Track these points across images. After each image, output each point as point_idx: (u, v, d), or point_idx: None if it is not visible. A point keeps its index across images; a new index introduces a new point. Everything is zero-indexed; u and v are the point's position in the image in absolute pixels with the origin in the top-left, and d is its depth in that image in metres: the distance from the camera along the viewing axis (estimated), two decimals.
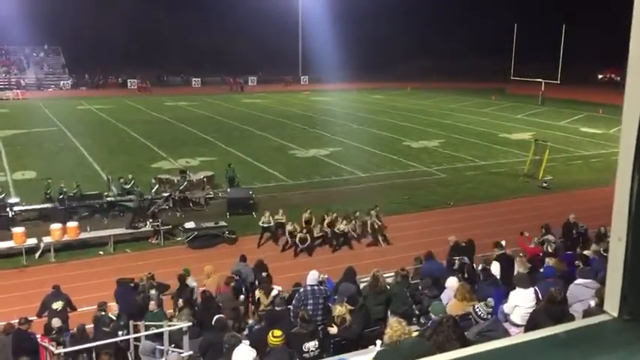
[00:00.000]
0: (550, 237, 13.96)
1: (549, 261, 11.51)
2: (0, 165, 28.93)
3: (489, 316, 7.62)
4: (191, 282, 13.32)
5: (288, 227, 18.21)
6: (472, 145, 36.40)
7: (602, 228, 15.51)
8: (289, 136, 38.75)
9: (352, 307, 9.13)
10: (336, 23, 72.79)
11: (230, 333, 8.83)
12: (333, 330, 8.91)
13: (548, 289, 8.20)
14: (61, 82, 70.90)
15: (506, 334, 7.19)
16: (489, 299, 8.18)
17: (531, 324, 7.74)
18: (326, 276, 12.36)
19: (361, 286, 11.56)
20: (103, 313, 11.20)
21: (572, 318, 7.68)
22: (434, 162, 31.18)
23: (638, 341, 1.22)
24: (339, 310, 9.08)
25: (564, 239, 16.75)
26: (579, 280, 9.16)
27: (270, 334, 7.52)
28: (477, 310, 7.66)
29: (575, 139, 39.00)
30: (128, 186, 22.51)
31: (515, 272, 11.11)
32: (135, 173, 24.23)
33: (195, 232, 18.90)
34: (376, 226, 18.84)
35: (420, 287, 11.31)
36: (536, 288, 8.99)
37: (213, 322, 9.62)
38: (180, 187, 21.94)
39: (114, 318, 10.93)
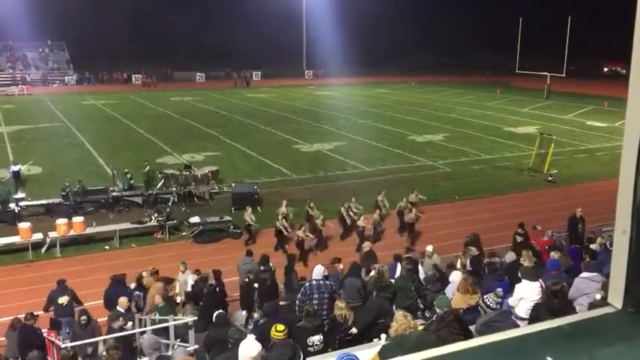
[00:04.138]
0: (471, 248, 13.71)
1: (554, 254, 11.49)
2: (6, 160, 28.99)
3: (499, 306, 7.61)
4: (187, 276, 13.35)
5: (299, 233, 17.43)
6: (477, 138, 36.31)
7: None
8: (293, 130, 38.75)
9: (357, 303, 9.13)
10: (340, 18, 72.65)
11: (234, 327, 8.86)
12: (355, 330, 8.93)
13: (549, 282, 8.21)
14: (66, 78, 70.99)
15: (513, 326, 7.19)
16: (499, 289, 8.15)
17: (532, 317, 7.75)
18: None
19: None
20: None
21: (573, 311, 7.68)
22: (439, 156, 31.12)
23: None
24: (339, 306, 9.08)
25: (570, 233, 16.76)
26: (584, 274, 9.14)
27: (273, 328, 7.52)
28: (487, 300, 7.65)
29: (581, 133, 38.87)
30: (145, 170, 22.62)
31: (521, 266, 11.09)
32: (139, 168, 24.22)
33: (200, 227, 18.95)
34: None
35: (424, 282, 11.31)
36: (542, 281, 8.98)
37: (214, 319, 9.64)
38: (181, 181, 22.06)
39: (123, 312, 10.96)
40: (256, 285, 12.39)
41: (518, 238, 15.55)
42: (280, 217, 17.98)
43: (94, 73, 73.94)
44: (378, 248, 17.51)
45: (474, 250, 13.40)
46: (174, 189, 22.05)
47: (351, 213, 18.81)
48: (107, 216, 20.59)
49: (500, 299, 7.76)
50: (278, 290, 12.87)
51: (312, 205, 18.91)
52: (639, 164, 1.23)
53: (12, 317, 11.07)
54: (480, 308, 7.78)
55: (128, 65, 75.88)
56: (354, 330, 8.88)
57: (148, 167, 22.75)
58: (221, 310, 10.11)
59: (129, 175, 22.54)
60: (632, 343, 1.17)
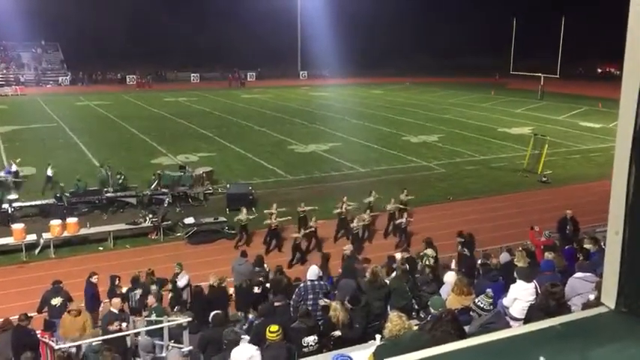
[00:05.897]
0: (428, 251, 13.60)
1: (548, 255, 11.51)
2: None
3: (491, 307, 7.63)
4: (182, 277, 13.33)
5: (295, 235, 17.49)
6: (471, 139, 36.39)
7: None
8: (288, 131, 38.73)
9: (352, 307, 9.07)
10: (335, 19, 72.73)
11: (229, 328, 8.83)
12: (337, 333, 8.90)
13: (548, 284, 8.20)
14: (60, 78, 70.77)
15: (507, 326, 7.19)
16: (488, 290, 8.17)
17: (527, 320, 7.76)
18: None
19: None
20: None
21: (567, 312, 7.68)
22: (433, 157, 31.17)
23: (634, 333, 1.23)
24: (334, 307, 9.06)
25: (560, 234, 16.78)
26: (578, 274, 9.16)
27: (267, 329, 7.51)
28: (478, 302, 7.66)
29: (575, 134, 39.01)
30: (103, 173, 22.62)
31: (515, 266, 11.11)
32: (134, 169, 24.18)
33: (195, 228, 18.92)
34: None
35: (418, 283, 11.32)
36: (536, 282, 9.00)
37: (210, 319, 9.62)
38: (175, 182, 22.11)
39: (116, 312, 10.91)
40: (268, 285, 12.37)
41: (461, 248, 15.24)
42: (274, 217, 18.01)
43: (88, 74, 73.73)
44: (370, 249, 17.58)
45: (429, 252, 13.43)
46: (168, 190, 21.99)
47: (348, 208, 18.90)
48: (101, 217, 20.53)
49: (491, 299, 7.78)
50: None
51: (302, 205, 18.96)
52: (632, 165, 1.23)
53: (3, 319, 10.99)
54: (470, 311, 7.79)
55: (123, 66, 75.70)
56: (337, 333, 8.83)
57: (104, 170, 22.77)
58: (219, 311, 10.08)
59: (118, 176, 22.48)
60: (624, 343, 1.18)
